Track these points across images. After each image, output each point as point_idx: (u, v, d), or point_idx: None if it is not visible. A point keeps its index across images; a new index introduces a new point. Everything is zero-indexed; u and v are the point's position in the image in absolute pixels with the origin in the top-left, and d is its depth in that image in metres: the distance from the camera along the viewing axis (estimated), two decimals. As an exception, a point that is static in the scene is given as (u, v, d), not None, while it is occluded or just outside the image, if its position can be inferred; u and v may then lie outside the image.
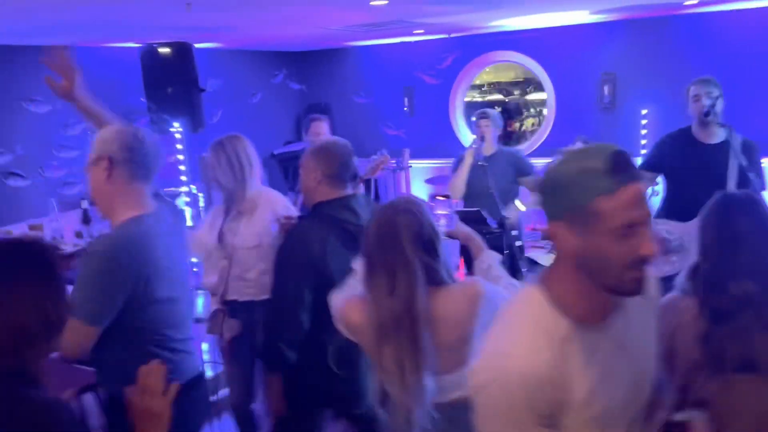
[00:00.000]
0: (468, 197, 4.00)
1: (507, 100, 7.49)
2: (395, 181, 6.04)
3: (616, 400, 1.21)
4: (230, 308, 2.89)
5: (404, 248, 1.66)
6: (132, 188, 1.85)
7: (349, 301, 1.84)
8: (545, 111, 6.46)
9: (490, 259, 2.05)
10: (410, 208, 1.72)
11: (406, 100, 6.45)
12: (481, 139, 3.96)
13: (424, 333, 1.64)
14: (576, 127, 5.83)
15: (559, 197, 1.15)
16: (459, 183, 3.98)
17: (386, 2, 3.58)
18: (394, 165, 4.42)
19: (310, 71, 6.92)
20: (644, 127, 5.62)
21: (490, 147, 3.98)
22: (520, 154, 4.34)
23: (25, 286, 1.26)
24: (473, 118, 4.24)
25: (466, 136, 6.39)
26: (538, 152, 6.09)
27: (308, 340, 2.22)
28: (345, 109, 6.66)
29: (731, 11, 5.24)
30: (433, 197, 6.13)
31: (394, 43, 6.33)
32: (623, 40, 5.61)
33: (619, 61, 5.64)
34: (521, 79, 7.35)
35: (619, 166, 1.10)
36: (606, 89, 5.70)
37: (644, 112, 5.60)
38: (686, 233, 3.34)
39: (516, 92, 7.44)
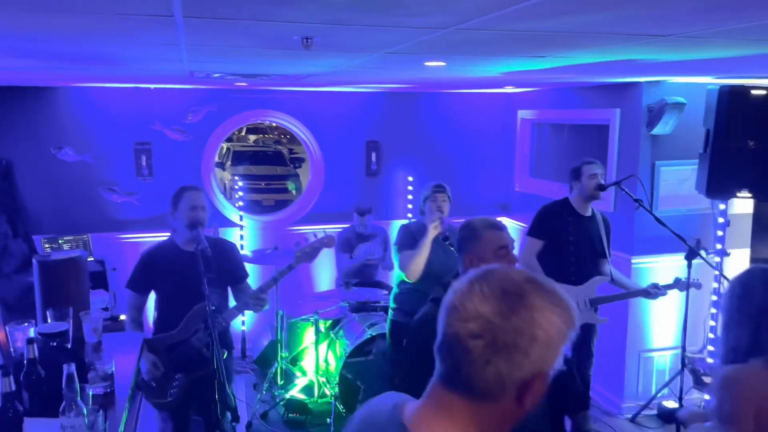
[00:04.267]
0: (425, 278, 3.49)
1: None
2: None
3: None
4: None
5: None
6: None
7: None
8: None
9: None
10: None
11: (143, 158, 5.19)
12: (439, 211, 3.59)
13: None
14: (344, 192, 5.54)
15: None
16: (421, 263, 3.49)
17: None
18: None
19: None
20: (410, 193, 5.66)
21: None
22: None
23: None
24: (427, 192, 3.73)
25: (222, 200, 5.46)
26: (307, 219, 5.56)
27: None
28: (40, 167, 5.01)
29: (469, 93, 5.81)
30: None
31: (121, 88, 5.12)
32: (385, 110, 5.64)
33: (382, 129, 5.64)
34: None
35: None
36: (374, 156, 5.59)
37: (410, 179, 5.66)
38: (576, 296, 3.84)
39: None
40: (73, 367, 1.99)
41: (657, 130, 4.13)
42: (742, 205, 4.38)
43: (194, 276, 3.08)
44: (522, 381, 0.98)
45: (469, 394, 1.00)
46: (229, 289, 3.38)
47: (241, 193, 5.49)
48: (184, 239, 3.19)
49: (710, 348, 4.25)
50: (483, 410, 1.01)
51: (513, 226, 5.94)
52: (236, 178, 5.80)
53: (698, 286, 3.88)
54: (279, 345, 4.69)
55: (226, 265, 3.29)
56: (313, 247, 3.29)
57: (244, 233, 5.40)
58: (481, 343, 0.96)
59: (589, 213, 3.90)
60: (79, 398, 1.98)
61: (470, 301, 0.98)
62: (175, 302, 3.17)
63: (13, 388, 1.92)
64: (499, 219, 5.91)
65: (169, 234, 3.38)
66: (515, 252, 2.26)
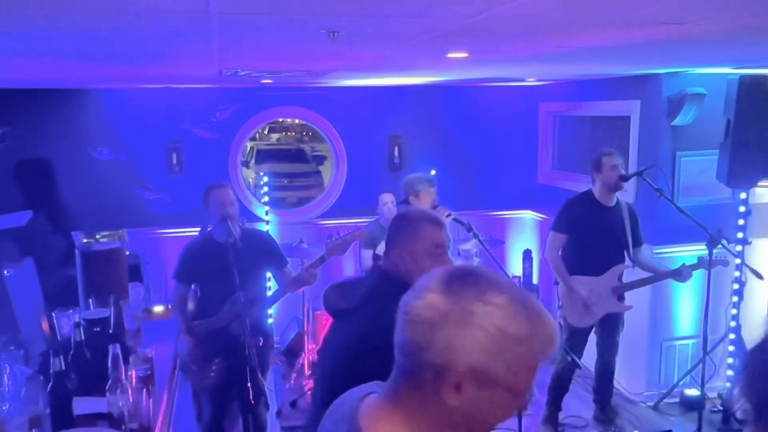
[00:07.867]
0: None
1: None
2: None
3: None
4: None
5: None
6: None
7: None
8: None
9: None
10: None
11: (174, 156, 5.34)
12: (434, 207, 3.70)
13: None
14: (367, 186, 5.64)
15: None
16: None
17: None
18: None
19: (21, 116, 5.17)
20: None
21: None
22: None
23: None
24: (422, 186, 3.92)
25: (249, 196, 5.61)
26: (331, 214, 5.67)
27: None
28: (78, 166, 5.19)
29: (491, 87, 5.87)
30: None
31: (152, 89, 5.29)
32: (408, 104, 5.73)
33: (405, 124, 5.73)
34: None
35: None
36: (397, 150, 5.69)
37: (433, 172, 5.73)
38: (598, 286, 3.88)
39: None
40: (118, 347, 2.12)
41: (677, 120, 4.16)
42: (766, 194, 4.39)
43: (230, 266, 3.24)
44: (437, 365, 0.93)
45: (406, 379, 0.98)
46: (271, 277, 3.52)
47: (266, 189, 5.62)
48: (218, 233, 3.39)
49: (731, 336, 4.27)
50: (416, 399, 0.98)
51: (537, 218, 5.99)
52: (261, 174, 5.94)
53: (725, 263, 3.87)
54: (306, 336, 4.81)
55: (265, 253, 3.46)
56: (345, 240, 3.40)
57: (270, 228, 5.53)
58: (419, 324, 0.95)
59: (612, 203, 3.92)
60: (123, 378, 2.11)
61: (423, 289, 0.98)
62: (213, 291, 3.32)
63: (63, 367, 2.05)
64: (523, 212, 6.03)
65: (199, 228, 3.54)
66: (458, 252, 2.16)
